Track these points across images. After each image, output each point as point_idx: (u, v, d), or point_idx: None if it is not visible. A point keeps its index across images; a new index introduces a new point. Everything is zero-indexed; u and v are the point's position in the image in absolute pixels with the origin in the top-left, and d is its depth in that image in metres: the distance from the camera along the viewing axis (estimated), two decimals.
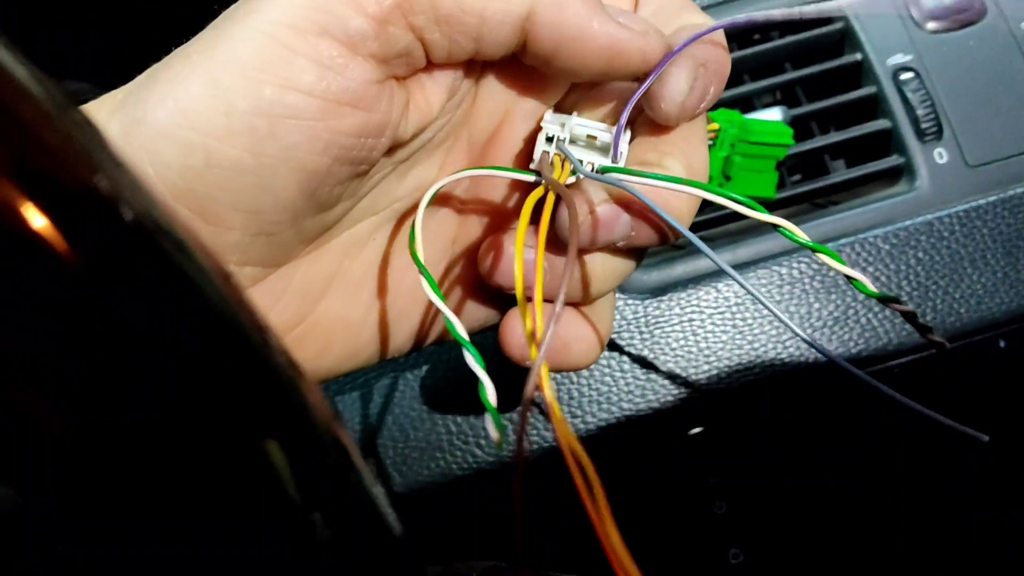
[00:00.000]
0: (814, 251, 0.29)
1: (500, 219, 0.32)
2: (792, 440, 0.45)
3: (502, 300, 0.32)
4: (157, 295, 0.14)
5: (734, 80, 0.47)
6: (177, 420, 0.14)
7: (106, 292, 0.13)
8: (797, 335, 0.28)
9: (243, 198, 0.25)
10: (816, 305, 0.44)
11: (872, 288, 0.29)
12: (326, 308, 0.31)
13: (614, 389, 0.43)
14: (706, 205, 0.44)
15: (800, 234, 0.29)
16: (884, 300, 0.29)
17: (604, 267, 0.30)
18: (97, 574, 0.15)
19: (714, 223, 0.46)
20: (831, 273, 0.44)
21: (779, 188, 0.45)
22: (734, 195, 0.28)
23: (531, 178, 0.29)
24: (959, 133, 0.45)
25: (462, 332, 0.28)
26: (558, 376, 0.43)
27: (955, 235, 0.44)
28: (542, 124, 0.30)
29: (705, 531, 0.45)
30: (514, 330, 0.30)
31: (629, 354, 0.43)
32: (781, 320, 0.29)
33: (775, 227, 0.29)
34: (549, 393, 0.26)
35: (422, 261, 0.28)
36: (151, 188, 0.15)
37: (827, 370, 0.43)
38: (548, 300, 0.28)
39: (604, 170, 0.29)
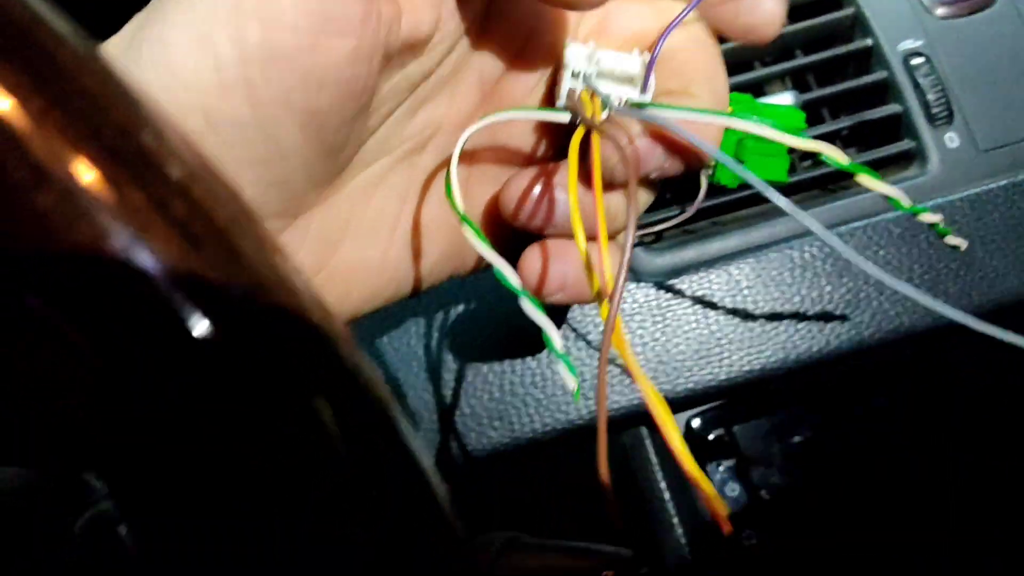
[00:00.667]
0: (854, 172, 0.28)
1: (518, 160, 0.32)
2: (807, 422, 0.45)
3: (514, 245, 0.31)
4: (197, 252, 0.14)
5: (745, 66, 0.47)
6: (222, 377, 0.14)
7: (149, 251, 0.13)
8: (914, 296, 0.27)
9: (249, 152, 0.25)
10: (828, 288, 0.44)
11: (906, 203, 0.30)
12: (344, 253, 0.30)
13: (626, 372, 0.43)
14: (719, 191, 0.45)
15: (841, 157, 0.28)
16: (916, 212, 0.30)
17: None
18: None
19: (727, 208, 0.46)
20: (842, 257, 0.44)
21: (790, 173, 0.46)
22: (768, 121, 0.27)
23: (565, 117, 0.28)
24: (970, 118, 0.45)
25: (515, 281, 0.28)
26: (570, 355, 0.43)
27: (966, 219, 0.44)
28: (566, 58, 0.28)
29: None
30: (532, 266, 0.29)
31: (641, 338, 0.44)
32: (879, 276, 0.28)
33: (816, 154, 0.29)
34: (623, 343, 0.26)
35: (461, 210, 0.27)
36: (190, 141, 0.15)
37: (844, 352, 0.43)
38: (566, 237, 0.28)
39: (637, 105, 0.28)
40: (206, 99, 0.24)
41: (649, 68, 0.28)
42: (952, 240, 0.33)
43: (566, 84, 0.29)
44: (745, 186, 0.44)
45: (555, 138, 0.32)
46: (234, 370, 0.14)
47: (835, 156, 0.29)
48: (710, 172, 0.43)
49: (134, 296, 0.12)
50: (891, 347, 0.44)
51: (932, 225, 0.33)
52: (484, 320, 0.43)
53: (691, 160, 0.28)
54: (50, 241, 0.12)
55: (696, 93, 0.28)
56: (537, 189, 0.29)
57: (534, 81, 0.31)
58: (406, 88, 0.28)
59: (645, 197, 0.30)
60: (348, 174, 0.29)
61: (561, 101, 0.29)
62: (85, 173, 0.12)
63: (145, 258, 0.12)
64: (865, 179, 0.29)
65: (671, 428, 0.24)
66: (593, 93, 0.28)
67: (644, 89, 0.28)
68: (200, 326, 0.13)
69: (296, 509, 0.16)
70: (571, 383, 0.27)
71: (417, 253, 0.32)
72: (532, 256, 0.30)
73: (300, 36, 0.24)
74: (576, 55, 0.28)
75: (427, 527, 0.18)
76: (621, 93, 0.29)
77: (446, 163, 0.30)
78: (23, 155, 0.12)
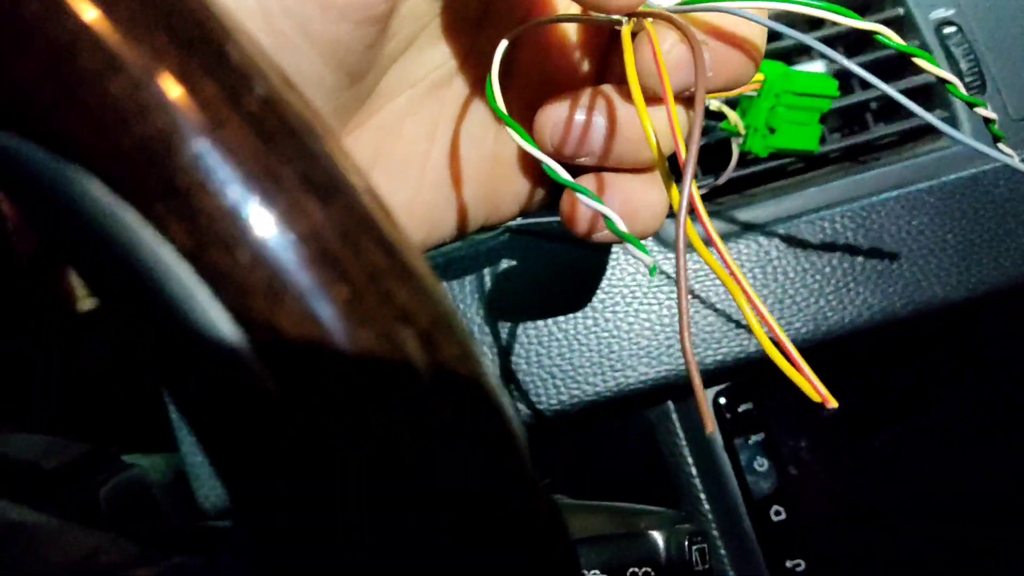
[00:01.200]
0: (912, 55, 0.27)
1: (561, 75, 0.30)
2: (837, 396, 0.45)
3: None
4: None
5: (774, 35, 0.46)
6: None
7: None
8: None
9: None
10: (859, 259, 0.43)
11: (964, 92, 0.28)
12: None
13: (654, 343, 0.43)
14: (749, 162, 0.44)
15: (896, 38, 0.27)
16: (973, 104, 0.30)
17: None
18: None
19: (758, 180, 0.45)
20: (876, 227, 0.43)
21: (821, 143, 0.45)
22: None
23: (606, 18, 0.26)
24: (1003, 87, 0.45)
25: (564, 174, 0.26)
26: (597, 329, 0.43)
27: (999, 188, 0.44)
28: None
29: (747, 489, 0.44)
30: (579, 203, 0.28)
31: (669, 309, 0.43)
32: None
33: (872, 33, 0.27)
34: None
35: (504, 111, 0.26)
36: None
37: (875, 324, 0.43)
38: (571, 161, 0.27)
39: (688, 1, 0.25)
40: None
41: None
42: (1005, 149, 0.32)
43: None
44: (776, 156, 0.44)
45: (598, 48, 0.30)
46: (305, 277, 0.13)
47: (892, 38, 0.27)
48: (741, 141, 0.42)
49: (206, 191, 0.11)
50: (924, 319, 0.43)
51: (988, 122, 0.31)
52: (511, 287, 0.43)
53: (738, 68, 0.27)
54: (123, 130, 0.11)
55: None
56: (579, 115, 0.27)
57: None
58: (427, 11, 0.27)
59: (684, 118, 0.27)
60: (373, 106, 0.28)
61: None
62: (157, 62, 0.11)
63: (217, 153, 0.12)
64: (923, 63, 0.28)
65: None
66: None
67: None
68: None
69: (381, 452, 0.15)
70: (648, 260, 0.26)
71: (448, 195, 0.31)
72: (567, 196, 0.28)
73: None
74: None
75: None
76: None
77: (474, 97, 0.29)
78: (96, 42, 0.11)
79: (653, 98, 0.25)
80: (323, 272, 0.13)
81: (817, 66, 0.45)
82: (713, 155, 0.45)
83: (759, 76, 0.41)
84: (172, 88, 0.11)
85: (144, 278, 0.12)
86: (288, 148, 0.12)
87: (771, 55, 0.45)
